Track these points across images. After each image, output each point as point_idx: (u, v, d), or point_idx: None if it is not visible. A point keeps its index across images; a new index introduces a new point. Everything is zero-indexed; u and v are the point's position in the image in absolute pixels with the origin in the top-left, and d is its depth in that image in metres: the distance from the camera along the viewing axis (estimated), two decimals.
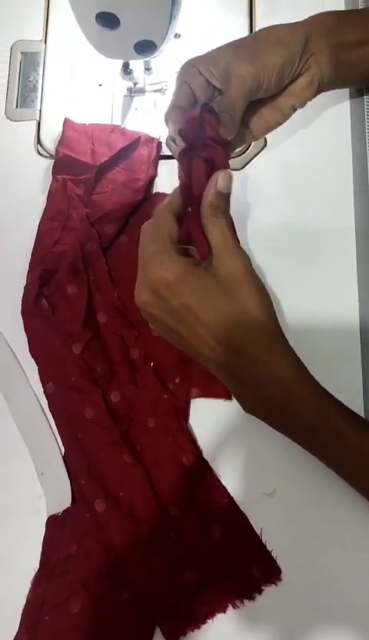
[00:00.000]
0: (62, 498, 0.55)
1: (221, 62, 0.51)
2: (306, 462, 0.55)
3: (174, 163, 0.63)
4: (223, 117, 0.48)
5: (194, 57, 0.52)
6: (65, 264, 0.59)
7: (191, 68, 0.51)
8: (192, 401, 0.58)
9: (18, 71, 0.68)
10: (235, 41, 0.53)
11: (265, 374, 0.44)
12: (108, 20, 0.50)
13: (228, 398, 0.57)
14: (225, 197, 0.45)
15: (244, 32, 0.70)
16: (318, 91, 0.56)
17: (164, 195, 0.63)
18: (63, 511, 0.55)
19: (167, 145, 0.52)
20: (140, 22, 0.51)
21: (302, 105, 0.56)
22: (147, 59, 0.57)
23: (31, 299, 0.59)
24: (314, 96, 0.56)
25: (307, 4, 0.69)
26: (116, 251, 0.62)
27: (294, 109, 0.56)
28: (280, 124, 0.57)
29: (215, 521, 0.54)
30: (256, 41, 0.52)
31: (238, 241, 0.46)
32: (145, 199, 0.63)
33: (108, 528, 0.54)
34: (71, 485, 0.55)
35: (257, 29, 0.69)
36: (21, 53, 0.69)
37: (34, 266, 0.60)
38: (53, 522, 0.55)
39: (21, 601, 0.53)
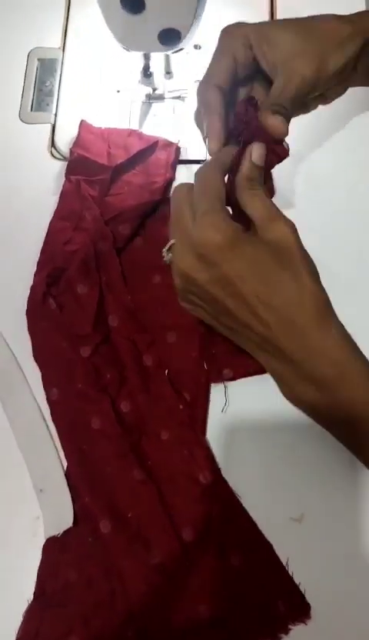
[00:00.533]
0: (63, 518, 0.49)
1: (278, 47, 0.46)
2: (338, 483, 0.50)
3: (192, 167, 0.62)
4: (275, 116, 0.44)
5: (244, 24, 0.48)
6: (76, 262, 0.55)
7: (241, 38, 0.47)
8: (210, 410, 0.52)
9: (34, 77, 0.67)
10: (294, 21, 0.48)
11: (315, 348, 0.40)
12: (134, 3, 0.49)
13: (263, 372, 0.50)
14: (260, 169, 0.43)
15: None
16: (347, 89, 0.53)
17: None
18: (63, 532, 0.49)
19: (196, 120, 0.49)
20: (166, 7, 0.49)
21: (329, 102, 0.53)
22: (170, 52, 0.55)
23: (38, 299, 0.55)
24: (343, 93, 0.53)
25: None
26: (130, 254, 0.58)
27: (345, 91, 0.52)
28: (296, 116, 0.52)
29: (235, 549, 0.48)
30: (320, 38, 0.47)
31: (278, 209, 0.42)
32: (162, 201, 0.59)
33: (114, 553, 0.48)
34: (73, 504, 0.50)
35: None
36: (38, 60, 0.67)
37: (43, 265, 0.57)
38: (51, 546, 0.49)
39: (11, 639, 0.46)
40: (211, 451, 0.51)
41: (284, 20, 0.49)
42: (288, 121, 0.45)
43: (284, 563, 0.48)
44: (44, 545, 0.49)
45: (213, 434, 0.52)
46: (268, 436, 0.52)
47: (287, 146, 0.45)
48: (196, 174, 0.44)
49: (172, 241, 0.43)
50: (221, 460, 0.51)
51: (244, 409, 0.53)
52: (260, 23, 0.49)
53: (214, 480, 0.50)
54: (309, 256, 0.41)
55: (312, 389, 0.40)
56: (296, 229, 0.41)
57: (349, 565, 0.48)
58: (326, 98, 0.52)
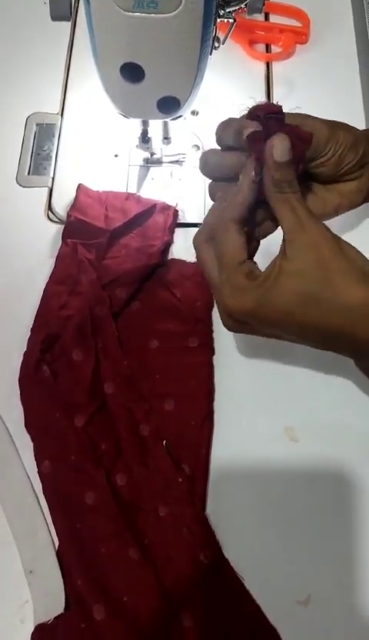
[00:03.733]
0: (53, 603, 0.46)
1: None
2: (346, 564, 0.47)
3: (190, 231, 0.61)
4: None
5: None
6: (72, 327, 0.54)
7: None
8: (210, 483, 0.50)
9: (32, 141, 0.67)
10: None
11: None
12: (133, 72, 0.49)
13: None
14: (286, 166, 0.40)
15: None
16: (365, 201, 0.51)
17: (180, 261, 0.59)
18: (54, 618, 0.45)
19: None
20: (165, 76, 0.49)
21: (349, 208, 0.51)
22: (169, 119, 0.55)
23: (31, 365, 0.53)
24: (362, 204, 0.51)
25: (323, 86, 0.71)
26: (127, 318, 0.56)
27: (338, 211, 0.50)
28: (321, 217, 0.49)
29: (238, 635, 0.45)
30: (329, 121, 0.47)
31: (312, 213, 0.41)
32: (160, 264, 0.58)
33: None
34: (65, 587, 0.46)
35: None
36: (37, 125, 0.68)
37: (37, 330, 0.55)
38: (40, 633, 0.45)
39: None
40: (212, 528, 0.48)
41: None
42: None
43: None
44: (33, 633, 0.45)
45: (212, 507, 0.50)
46: (273, 513, 0.49)
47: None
48: (211, 228, 0.44)
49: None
50: (221, 538, 0.48)
51: (246, 482, 0.51)
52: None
53: (215, 560, 0.47)
54: (351, 255, 0.40)
55: None
56: (329, 235, 0.40)
57: None
58: (346, 199, 0.50)
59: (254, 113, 0.42)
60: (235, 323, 0.44)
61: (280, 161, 0.40)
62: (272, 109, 0.42)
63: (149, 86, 0.50)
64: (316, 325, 0.40)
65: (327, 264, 0.39)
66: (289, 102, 0.69)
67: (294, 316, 0.40)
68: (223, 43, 0.53)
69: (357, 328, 0.39)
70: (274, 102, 0.46)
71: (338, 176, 0.48)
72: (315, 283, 0.39)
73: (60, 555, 0.48)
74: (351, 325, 0.39)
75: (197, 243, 0.45)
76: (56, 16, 0.68)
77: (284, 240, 0.41)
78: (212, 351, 0.55)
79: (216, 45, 0.51)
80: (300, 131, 0.42)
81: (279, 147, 0.40)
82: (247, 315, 0.41)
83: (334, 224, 0.45)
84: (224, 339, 0.56)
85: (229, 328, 0.45)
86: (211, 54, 0.50)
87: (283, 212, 0.40)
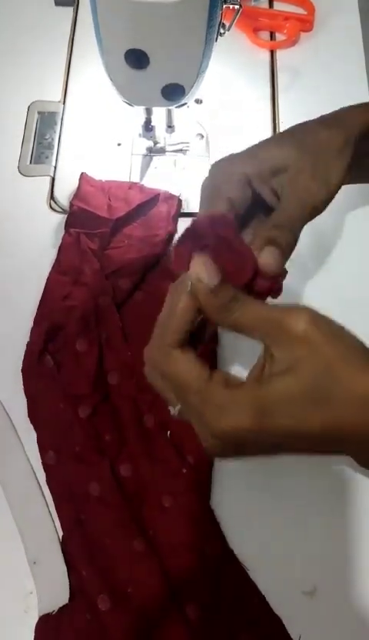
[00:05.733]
0: (58, 594, 0.46)
1: (279, 171, 0.41)
2: (352, 555, 0.47)
3: None
4: (270, 249, 0.38)
5: (235, 158, 0.42)
6: (75, 318, 0.53)
7: (237, 176, 0.41)
8: (214, 473, 0.50)
9: (34, 129, 0.66)
10: (287, 138, 0.43)
11: None
12: (138, 59, 0.48)
13: None
14: (220, 288, 0.34)
15: (266, 102, 0.69)
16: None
17: None
18: (58, 609, 0.45)
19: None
20: (170, 62, 0.49)
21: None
22: (173, 107, 0.54)
23: (34, 357, 0.52)
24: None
25: (328, 74, 0.70)
26: (130, 308, 0.56)
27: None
28: None
29: (243, 626, 0.45)
30: (317, 152, 0.42)
31: (272, 308, 0.34)
32: (164, 254, 0.58)
33: (113, 632, 0.44)
34: (70, 578, 0.46)
35: (279, 99, 0.69)
36: (38, 113, 0.67)
37: (40, 321, 0.54)
38: (45, 624, 0.45)
39: None
40: (217, 519, 0.48)
41: (276, 138, 0.45)
42: (289, 252, 0.39)
43: None
44: (37, 623, 0.45)
45: (217, 498, 0.49)
46: (278, 503, 0.49)
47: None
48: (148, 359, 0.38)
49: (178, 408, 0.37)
50: (226, 528, 0.48)
51: (252, 473, 0.50)
52: (252, 150, 0.43)
53: (221, 551, 0.47)
54: (344, 337, 0.33)
55: None
56: (310, 319, 0.32)
57: None
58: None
59: (194, 234, 0.37)
60: (229, 448, 0.35)
61: (211, 288, 0.34)
62: (217, 230, 0.36)
63: (154, 73, 0.50)
64: (331, 425, 0.32)
65: (325, 353, 0.32)
66: (293, 90, 0.70)
67: (305, 422, 0.32)
68: (228, 29, 0.52)
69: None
70: (224, 215, 0.39)
71: None
72: (318, 378, 0.32)
73: (64, 545, 0.47)
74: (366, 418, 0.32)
75: (152, 380, 0.38)
76: (60, 1, 0.68)
77: (264, 346, 0.34)
78: (216, 341, 0.55)
79: (221, 31, 0.51)
80: (244, 256, 0.36)
81: (201, 270, 0.34)
82: (248, 432, 0.32)
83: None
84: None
85: (220, 456, 0.39)
86: (216, 40, 0.49)
87: (245, 329, 0.35)
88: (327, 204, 0.42)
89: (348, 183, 0.44)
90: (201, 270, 0.34)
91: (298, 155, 0.42)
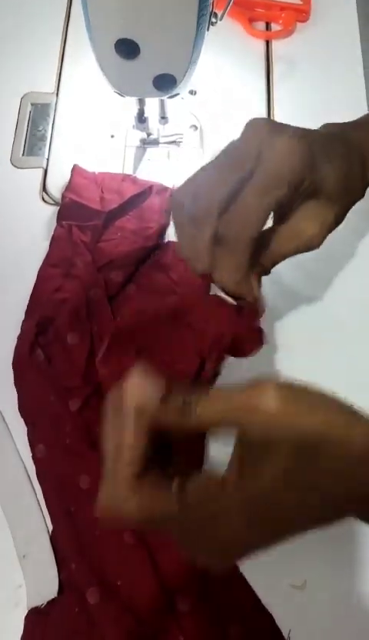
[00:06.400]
0: (47, 587, 0.45)
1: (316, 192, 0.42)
2: (343, 548, 0.47)
3: None
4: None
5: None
6: (66, 310, 0.53)
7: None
8: (205, 466, 0.49)
9: (26, 121, 0.66)
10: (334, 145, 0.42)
11: None
12: (128, 49, 0.47)
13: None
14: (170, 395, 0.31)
15: (261, 93, 0.68)
16: None
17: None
18: (47, 603, 0.45)
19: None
20: (161, 52, 0.48)
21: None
22: (165, 97, 0.54)
23: (25, 349, 0.52)
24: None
25: (324, 65, 0.69)
26: (122, 301, 0.56)
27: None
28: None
29: (233, 619, 0.45)
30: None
31: (232, 395, 0.30)
32: (156, 247, 0.58)
33: (102, 625, 0.44)
34: (59, 571, 0.46)
35: (274, 90, 0.68)
36: (32, 104, 0.67)
37: (31, 313, 0.54)
38: (34, 618, 0.45)
39: None
40: None
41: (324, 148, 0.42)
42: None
43: (286, 636, 0.44)
44: (26, 617, 0.45)
45: None
46: None
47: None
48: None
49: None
50: None
51: None
52: (309, 158, 0.39)
53: None
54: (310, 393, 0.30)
55: None
56: (283, 404, 0.29)
57: (355, 636, 0.45)
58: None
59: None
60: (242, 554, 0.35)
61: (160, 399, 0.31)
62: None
63: (145, 63, 0.49)
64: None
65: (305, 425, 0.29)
66: (289, 81, 0.69)
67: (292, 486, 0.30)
68: (221, 19, 0.51)
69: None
70: None
71: None
72: (299, 434, 0.29)
73: (54, 539, 0.47)
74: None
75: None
76: None
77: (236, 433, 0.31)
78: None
79: (213, 20, 0.50)
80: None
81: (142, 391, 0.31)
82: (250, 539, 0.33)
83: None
84: None
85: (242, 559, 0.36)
86: (208, 29, 0.49)
87: (213, 424, 0.31)
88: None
89: None
90: (141, 386, 0.31)
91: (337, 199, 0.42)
